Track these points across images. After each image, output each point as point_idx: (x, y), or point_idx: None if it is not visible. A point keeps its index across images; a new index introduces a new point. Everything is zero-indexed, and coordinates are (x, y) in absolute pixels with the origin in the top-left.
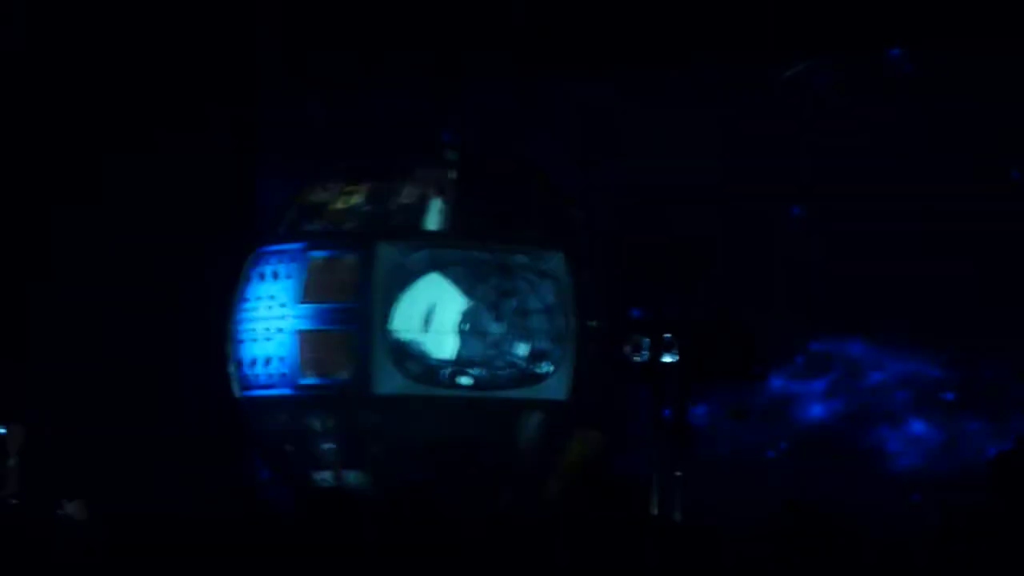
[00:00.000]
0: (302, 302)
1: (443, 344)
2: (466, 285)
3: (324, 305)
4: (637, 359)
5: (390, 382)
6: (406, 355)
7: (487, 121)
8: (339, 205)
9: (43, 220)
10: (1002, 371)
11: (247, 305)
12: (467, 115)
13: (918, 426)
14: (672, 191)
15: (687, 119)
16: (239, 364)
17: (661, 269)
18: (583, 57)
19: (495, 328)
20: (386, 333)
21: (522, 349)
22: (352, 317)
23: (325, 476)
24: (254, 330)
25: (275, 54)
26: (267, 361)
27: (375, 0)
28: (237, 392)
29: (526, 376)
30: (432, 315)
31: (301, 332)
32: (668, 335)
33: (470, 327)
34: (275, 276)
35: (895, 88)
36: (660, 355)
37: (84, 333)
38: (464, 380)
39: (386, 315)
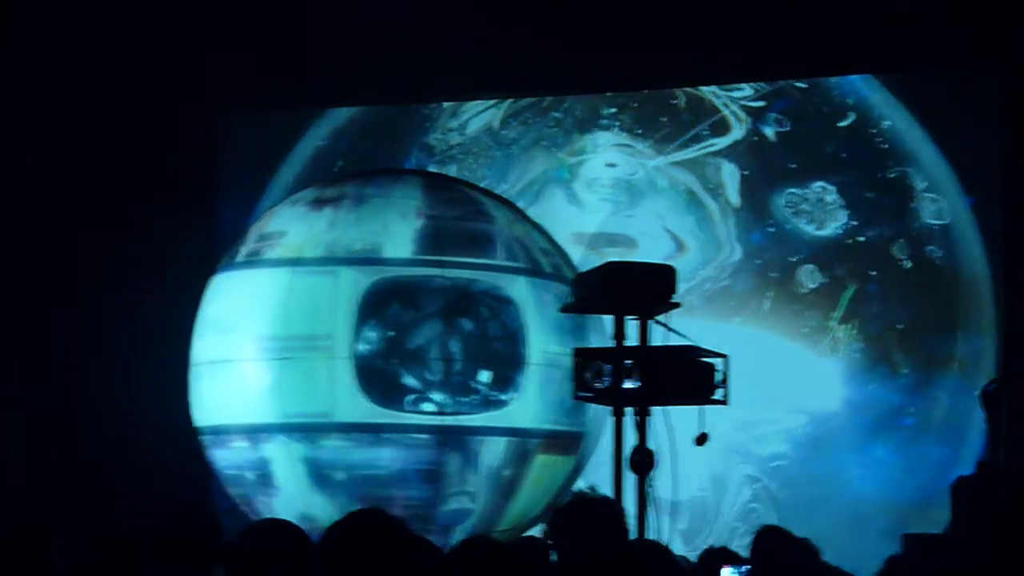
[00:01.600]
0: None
1: (409, 370)
2: (428, 311)
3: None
4: (598, 385)
5: (356, 409)
6: (371, 381)
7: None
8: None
9: None
10: (962, 396)
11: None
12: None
13: (878, 450)
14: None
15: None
16: (196, 393)
17: (625, 293)
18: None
19: (454, 353)
20: (353, 359)
21: (484, 376)
22: (318, 343)
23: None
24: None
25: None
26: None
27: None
28: (195, 420)
29: (488, 403)
30: (396, 340)
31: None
32: (629, 361)
33: (433, 353)
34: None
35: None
36: (621, 381)
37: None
38: (426, 406)
39: (353, 341)
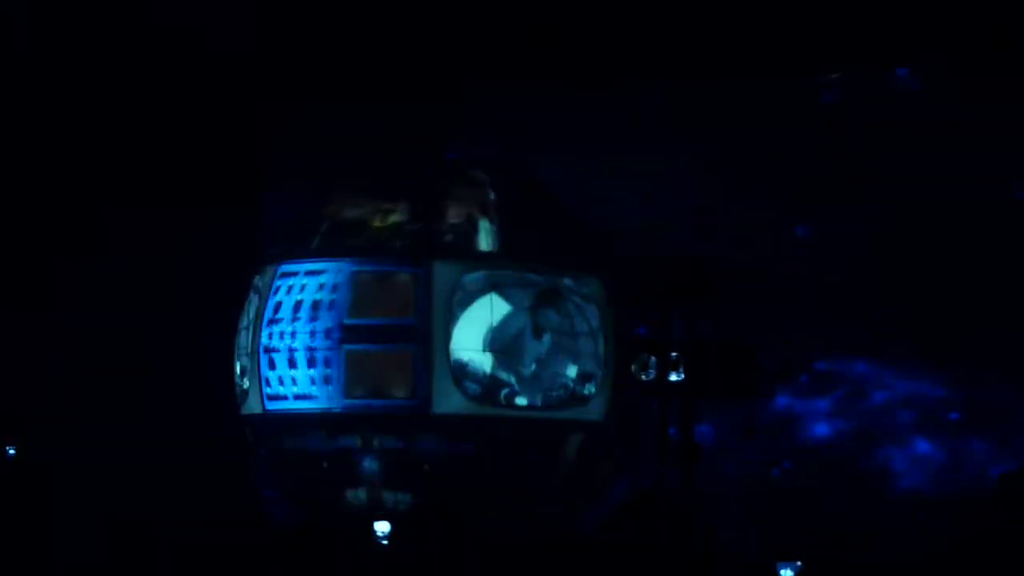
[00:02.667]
0: (351, 319)
1: (502, 364)
2: (520, 306)
3: (375, 322)
4: (644, 378)
5: (450, 402)
6: (465, 375)
7: (490, 138)
8: (378, 223)
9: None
10: (1007, 392)
11: (280, 321)
12: (472, 132)
13: (922, 446)
14: (679, 211)
15: (694, 139)
16: (268, 380)
17: (668, 288)
18: (589, 76)
19: (545, 349)
20: (447, 352)
21: (571, 371)
22: (409, 336)
23: (359, 494)
24: (292, 346)
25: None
26: (312, 379)
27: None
28: (259, 408)
29: (574, 397)
30: (490, 335)
31: (350, 350)
32: (674, 354)
33: (526, 347)
34: (318, 291)
35: (902, 105)
36: (667, 374)
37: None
38: (519, 400)
39: (447, 334)
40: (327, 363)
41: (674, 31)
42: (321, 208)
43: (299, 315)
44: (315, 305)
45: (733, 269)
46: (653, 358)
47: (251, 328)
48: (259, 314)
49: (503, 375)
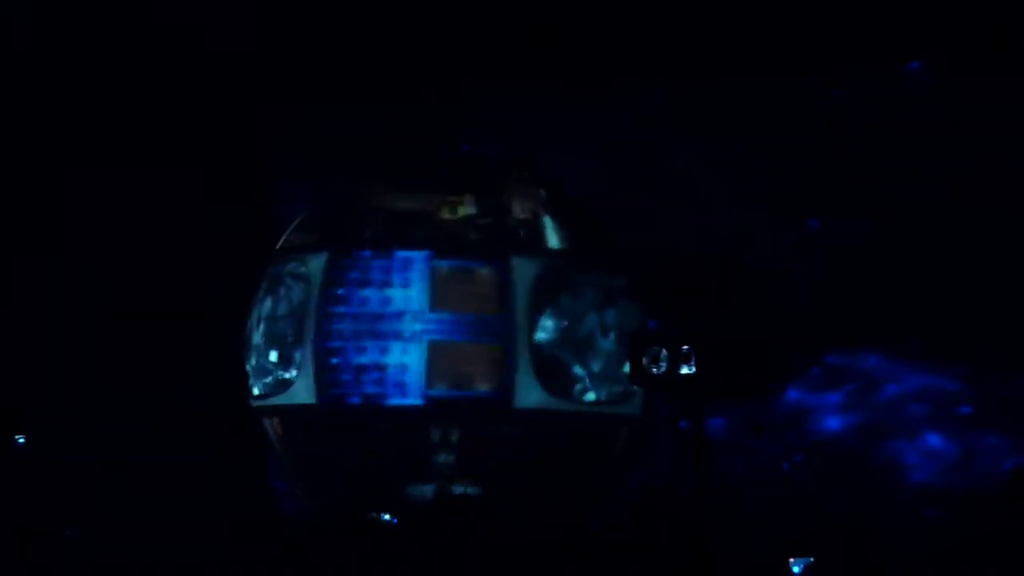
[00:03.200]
0: (434, 311)
1: (576, 360)
2: (590, 304)
3: (459, 316)
4: (655, 371)
5: (530, 396)
6: (543, 370)
7: (501, 134)
8: (447, 215)
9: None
10: (1019, 385)
11: (347, 310)
12: (485, 128)
13: (934, 440)
14: (688, 203)
15: (704, 133)
16: (330, 369)
17: (678, 281)
18: (600, 72)
19: (609, 345)
20: (528, 347)
21: (625, 367)
22: (495, 330)
23: (425, 489)
24: (363, 336)
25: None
26: (384, 369)
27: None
28: (310, 397)
29: (624, 394)
30: (567, 331)
31: (434, 342)
32: (686, 347)
33: (596, 344)
34: (387, 284)
35: (913, 101)
36: (678, 367)
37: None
38: (590, 396)
39: (528, 329)
40: (407, 353)
41: (674, 31)
42: (370, 198)
43: (369, 305)
44: (389, 296)
45: (744, 263)
46: (664, 351)
47: (297, 317)
48: (310, 302)
49: (578, 371)
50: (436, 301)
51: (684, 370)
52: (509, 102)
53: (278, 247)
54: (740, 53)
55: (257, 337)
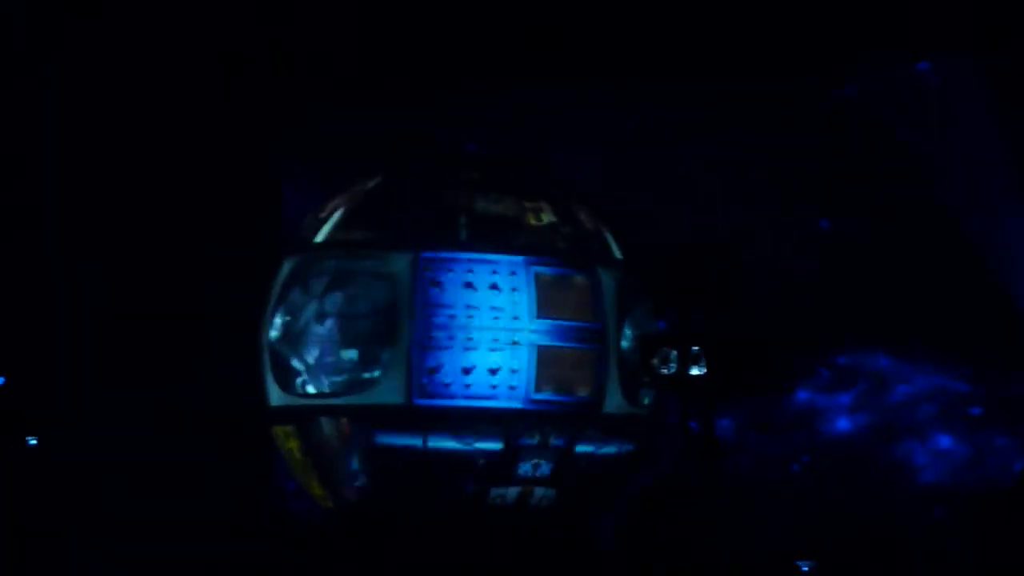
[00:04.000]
0: (541, 317)
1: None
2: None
3: (562, 322)
4: (664, 371)
5: (614, 401)
6: (628, 375)
7: (508, 131)
8: (533, 222)
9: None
10: None
11: (444, 313)
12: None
13: (944, 440)
14: (699, 202)
15: (713, 132)
16: (433, 371)
17: (688, 281)
18: (606, 67)
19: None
20: (616, 354)
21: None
22: (592, 336)
23: (507, 493)
24: (469, 338)
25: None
26: (495, 372)
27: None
28: (398, 398)
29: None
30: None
31: (541, 347)
32: (696, 348)
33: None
34: (495, 288)
35: (923, 99)
36: (688, 367)
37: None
38: (645, 400)
39: (616, 337)
40: (516, 358)
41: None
42: (457, 198)
43: (474, 310)
44: (494, 300)
45: (751, 263)
46: (674, 352)
47: (383, 316)
48: (401, 303)
49: (643, 377)
50: (541, 307)
51: (694, 371)
52: (508, 102)
53: (321, 240)
54: (743, 52)
55: (322, 331)
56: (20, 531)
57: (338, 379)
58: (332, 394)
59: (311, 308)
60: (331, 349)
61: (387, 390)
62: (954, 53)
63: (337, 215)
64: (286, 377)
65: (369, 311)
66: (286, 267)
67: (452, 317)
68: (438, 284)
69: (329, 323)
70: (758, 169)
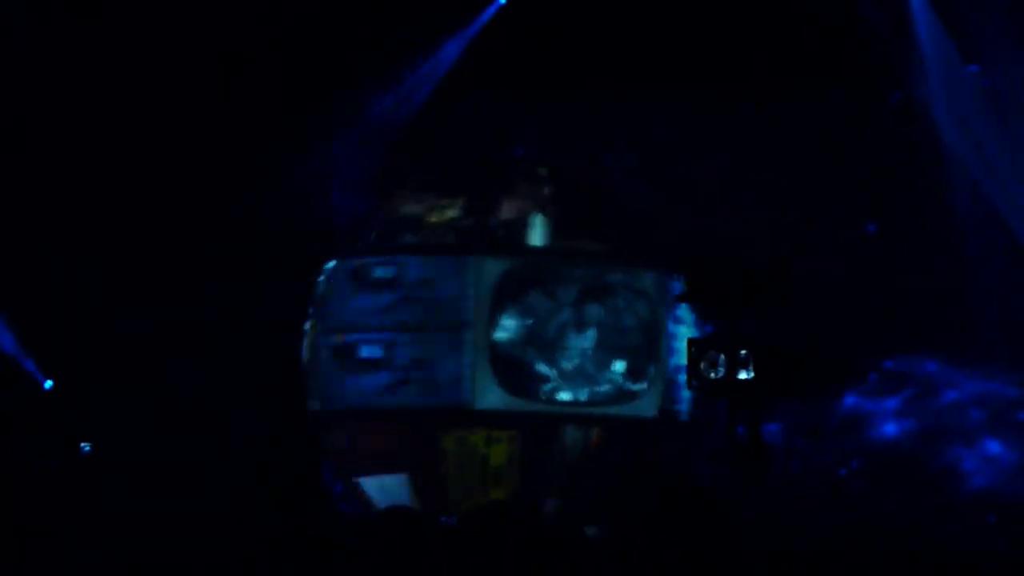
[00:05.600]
0: None
1: None
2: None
3: None
4: (713, 375)
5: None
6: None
7: (559, 135)
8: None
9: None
10: None
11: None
12: (540, 129)
13: (993, 446)
14: (746, 206)
15: (762, 136)
16: (677, 386)
17: (736, 286)
18: (655, 72)
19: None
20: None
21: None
22: None
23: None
24: None
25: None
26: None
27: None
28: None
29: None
30: None
31: None
32: (744, 351)
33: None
34: None
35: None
36: (736, 372)
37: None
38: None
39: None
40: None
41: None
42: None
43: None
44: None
45: (801, 268)
46: (722, 356)
47: (645, 331)
48: (658, 319)
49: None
50: None
51: (742, 375)
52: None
53: (540, 244)
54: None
55: (585, 342)
56: (18, 531)
57: (600, 389)
58: (588, 403)
59: (564, 315)
60: (596, 358)
61: (646, 404)
62: (1007, 54)
63: (537, 219)
64: (523, 381)
65: (636, 324)
66: (494, 267)
67: (680, 336)
68: (673, 304)
69: (591, 333)
70: (806, 172)
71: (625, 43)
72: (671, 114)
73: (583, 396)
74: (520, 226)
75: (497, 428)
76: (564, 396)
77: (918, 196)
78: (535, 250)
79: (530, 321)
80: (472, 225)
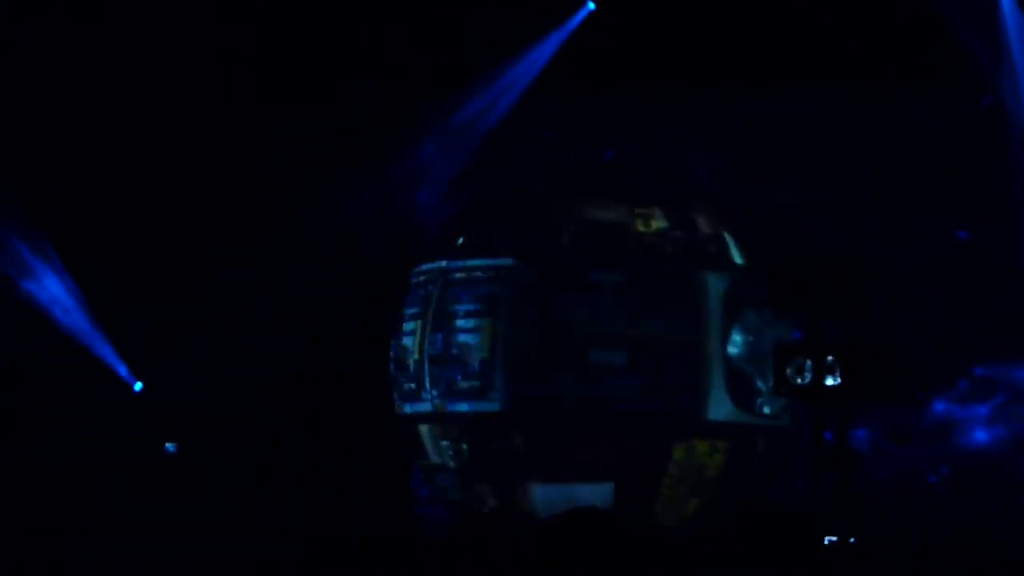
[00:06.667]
0: None
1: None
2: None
3: None
4: (799, 382)
5: None
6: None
7: (641, 138)
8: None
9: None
10: None
11: None
12: (625, 133)
13: None
14: (833, 211)
15: (854, 141)
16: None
17: (823, 290)
18: (737, 72)
19: None
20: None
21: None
22: None
23: None
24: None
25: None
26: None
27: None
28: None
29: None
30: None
31: None
32: (831, 357)
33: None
34: None
35: None
36: (823, 378)
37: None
38: (767, 409)
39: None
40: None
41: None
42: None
43: None
44: None
45: (892, 272)
46: (809, 362)
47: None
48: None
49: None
50: None
51: (829, 381)
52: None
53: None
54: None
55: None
56: (18, 531)
57: (780, 402)
58: (773, 416)
59: (773, 332)
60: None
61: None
62: None
63: (728, 237)
64: (747, 395)
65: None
66: (717, 283)
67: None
68: None
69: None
70: (895, 177)
71: (714, 45)
72: (769, 115)
73: (777, 409)
74: (721, 242)
75: (719, 439)
76: (767, 410)
77: (1009, 202)
78: (739, 267)
79: (751, 338)
80: (685, 238)
